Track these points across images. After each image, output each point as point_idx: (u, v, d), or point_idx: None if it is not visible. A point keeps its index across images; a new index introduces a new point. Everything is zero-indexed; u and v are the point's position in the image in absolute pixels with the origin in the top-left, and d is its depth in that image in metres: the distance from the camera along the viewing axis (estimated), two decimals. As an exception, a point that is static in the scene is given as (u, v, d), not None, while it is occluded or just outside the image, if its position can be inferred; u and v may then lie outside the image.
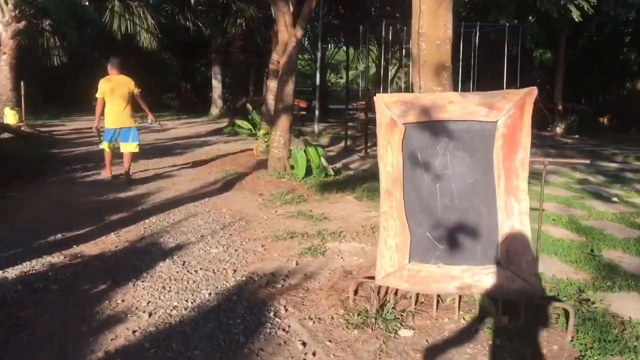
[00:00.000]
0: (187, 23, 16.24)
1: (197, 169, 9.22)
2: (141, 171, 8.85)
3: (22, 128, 13.76)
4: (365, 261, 4.46)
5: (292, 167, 8.11)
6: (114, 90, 7.55)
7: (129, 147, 7.88)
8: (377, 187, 7.76)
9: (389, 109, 3.42)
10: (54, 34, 16.96)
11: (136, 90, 7.80)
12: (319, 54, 13.79)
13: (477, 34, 11.01)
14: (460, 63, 12.35)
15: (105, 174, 8.04)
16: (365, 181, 7.84)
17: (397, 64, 32.45)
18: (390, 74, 31.68)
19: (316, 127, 14.38)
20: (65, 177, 8.34)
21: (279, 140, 7.91)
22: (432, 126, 3.36)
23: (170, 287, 3.83)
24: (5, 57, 14.43)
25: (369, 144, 11.46)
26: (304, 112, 18.42)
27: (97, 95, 7.60)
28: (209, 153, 11.37)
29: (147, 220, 5.71)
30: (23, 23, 14.47)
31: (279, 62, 9.60)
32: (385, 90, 27.10)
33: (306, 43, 30.28)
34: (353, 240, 5.05)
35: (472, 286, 3.14)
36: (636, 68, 20.74)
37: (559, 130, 16.20)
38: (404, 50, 16.12)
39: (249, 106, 10.86)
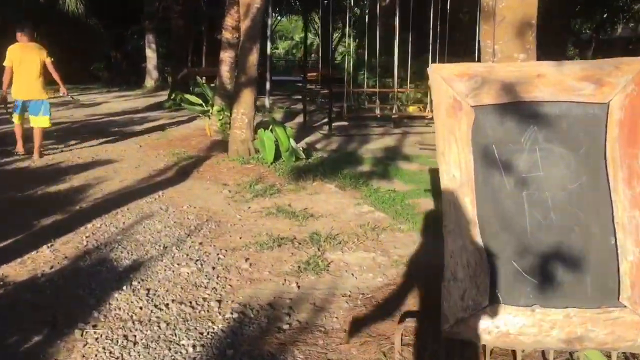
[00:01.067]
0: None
1: (142, 152, 7.94)
2: (77, 157, 7.47)
3: None
4: (384, 280, 3.51)
5: (257, 151, 7.01)
6: (24, 59, 7.05)
7: (39, 122, 7.31)
8: (358, 172, 6.93)
9: (451, 86, 2.44)
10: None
11: (48, 60, 7.28)
12: (269, 21, 12.53)
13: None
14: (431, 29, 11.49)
15: (18, 148, 7.45)
16: (342, 165, 6.86)
17: (340, 33, 31.44)
18: (333, 43, 30.61)
19: (267, 101, 13.18)
20: (-22, 166, 6.88)
21: (241, 120, 6.76)
22: (515, 109, 2.41)
23: (135, 337, 2.73)
24: None
25: (330, 119, 10.43)
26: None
27: (5, 63, 7.09)
28: (153, 133, 10.03)
29: (89, 226, 4.50)
30: None
31: (233, 29, 8.41)
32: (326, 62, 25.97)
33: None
34: (357, 248, 4.07)
35: (583, 338, 2.24)
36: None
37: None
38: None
39: (199, 79, 9.56)
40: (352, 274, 3.59)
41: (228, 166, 6.67)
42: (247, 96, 6.71)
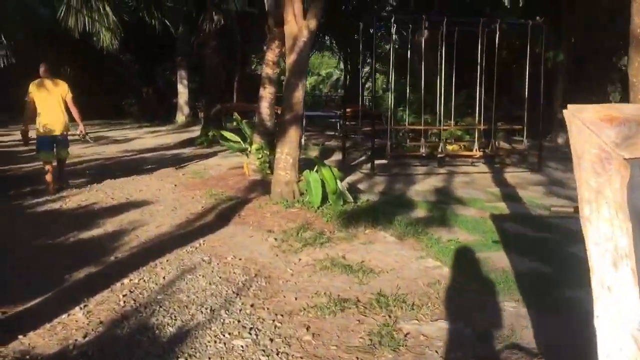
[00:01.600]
0: (153, 21, 14.39)
1: (178, 193, 7.52)
2: (110, 197, 7.09)
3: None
4: (476, 360, 2.93)
5: (302, 193, 6.53)
6: (47, 95, 7.14)
7: (62, 154, 7.56)
8: (413, 218, 6.18)
9: (597, 133, 1.91)
10: (-1, 30, 14.83)
11: (69, 96, 7.35)
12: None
13: (497, 32, 9.64)
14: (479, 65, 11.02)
15: (50, 189, 7.27)
16: (394, 210, 6.32)
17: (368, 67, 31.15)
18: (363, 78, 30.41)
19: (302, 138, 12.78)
20: (8, 207, 6.51)
21: (286, 160, 6.30)
22: (687, 166, 1.87)
23: None
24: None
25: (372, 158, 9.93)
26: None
27: (26, 98, 7.16)
28: (187, 170, 9.66)
29: (125, 281, 4.03)
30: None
31: (274, 64, 8.06)
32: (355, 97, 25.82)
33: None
34: (434, 315, 3.50)
35: None
36: None
37: (560, 140, 15.10)
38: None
39: (236, 115, 9.19)
40: (436, 352, 3.02)
41: (271, 210, 6.18)
42: (292, 135, 6.26)
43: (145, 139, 15.68)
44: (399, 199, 6.99)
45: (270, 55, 8.00)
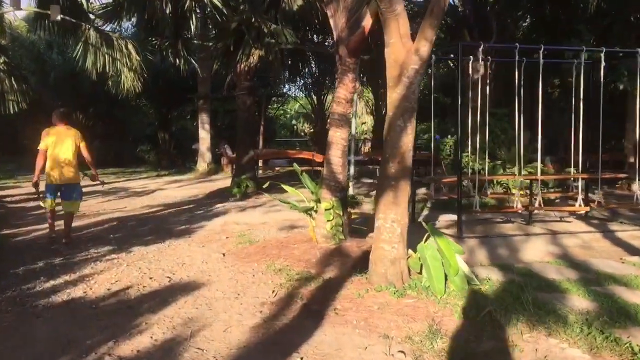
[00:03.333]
0: (177, 61, 13.03)
1: (231, 267, 5.87)
2: (148, 277, 5.42)
3: (-39, 195, 10.18)
4: None
5: (409, 270, 4.85)
6: (58, 143, 7.00)
7: (71, 206, 7.24)
8: (579, 312, 4.01)
9: None
10: (9, 75, 13.48)
11: (82, 144, 7.25)
12: (355, 96, 10.70)
13: (603, 62, 8.06)
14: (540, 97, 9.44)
15: (50, 233, 7.24)
16: (542, 298, 4.60)
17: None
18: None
19: (351, 189, 11.19)
20: (17, 295, 4.86)
21: (392, 229, 4.64)
22: None
23: None
24: (-59, 101, 10.92)
25: (460, 218, 8.26)
26: (320, 168, 15.23)
27: (39, 147, 6.98)
28: (230, 232, 8.03)
29: None
30: (-32, 59, 11.06)
31: (347, 101, 6.51)
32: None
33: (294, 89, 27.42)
34: None
35: None
36: None
37: (635, 187, 13.39)
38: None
39: (296, 166, 7.62)
40: None
41: (377, 300, 4.47)
42: (399, 194, 4.62)
43: (168, 190, 14.11)
44: (529, 277, 5.27)
45: (343, 92, 6.45)
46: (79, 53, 12.32)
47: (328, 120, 6.09)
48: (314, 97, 23.93)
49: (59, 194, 7.12)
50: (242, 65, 11.65)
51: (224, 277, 5.45)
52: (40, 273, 5.59)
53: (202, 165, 19.39)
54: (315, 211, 6.63)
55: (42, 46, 26.07)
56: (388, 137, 4.72)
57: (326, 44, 18.61)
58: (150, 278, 5.40)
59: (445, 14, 13.76)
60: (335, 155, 6.47)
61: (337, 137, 6.48)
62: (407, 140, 4.65)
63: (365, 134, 53.25)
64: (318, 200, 6.58)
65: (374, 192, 12.50)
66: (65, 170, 7.00)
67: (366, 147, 43.49)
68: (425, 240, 4.83)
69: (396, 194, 4.63)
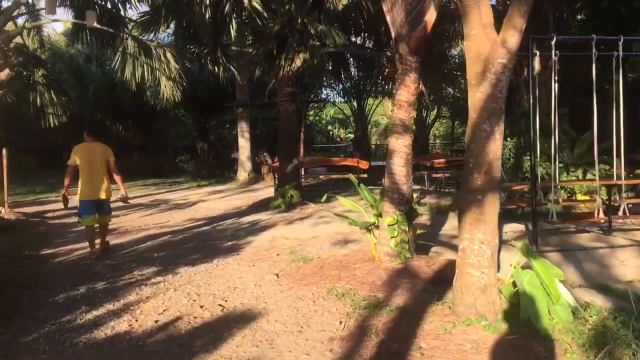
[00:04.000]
0: (216, 69, 12.59)
1: (288, 290, 5.28)
2: (198, 305, 4.87)
3: (2, 212, 9.89)
4: None
5: (500, 298, 4.15)
6: (88, 158, 7.05)
7: (104, 219, 7.41)
8: None
9: None
10: (48, 88, 13.29)
11: (112, 160, 7.27)
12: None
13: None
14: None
15: (92, 251, 7.26)
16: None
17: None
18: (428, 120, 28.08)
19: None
20: (56, 331, 4.37)
21: (480, 252, 3.96)
22: None
23: None
24: (-19, 116, 10.72)
25: (535, 229, 7.48)
26: (365, 175, 14.59)
27: (69, 162, 7.04)
28: (280, 248, 7.46)
29: None
30: (7, 72, 10.83)
31: (409, 105, 5.87)
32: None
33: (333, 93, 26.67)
34: None
35: None
36: None
37: None
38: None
39: (352, 177, 7.03)
40: None
41: (467, 336, 3.80)
42: (487, 210, 3.94)
43: (209, 201, 13.68)
44: (638, 302, 4.51)
45: (404, 94, 5.80)
46: (117, 64, 12.01)
47: (389, 128, 5.47)
48: (354, 102, 23.25)
49: (96, 209, 7.17)
50: (284, 71, 11.12)
51: (282, 305, 4.86)
52: (82, 301, 5.11)
53: (243, 174, 19.00)
54: (377, 226, 5.99)
55: (81, 60, 26.25)
56: (472, 145, 4.05)
57: (367, 46, 18.02)
58: (201, 307, 4.85)
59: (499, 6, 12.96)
60: (398, 164, 5.82)
61: (400, 144, 5.83)
62: (495, 147, 3.97)
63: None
64: (379, 215, 5.94)
65: (426, 200, 11.79)
66: (97, 185, 7.08)
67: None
68: (519, 263, 4.14)
69: (483, 210, 3.96)
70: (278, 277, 5.87)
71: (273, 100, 20.37)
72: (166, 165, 25.92)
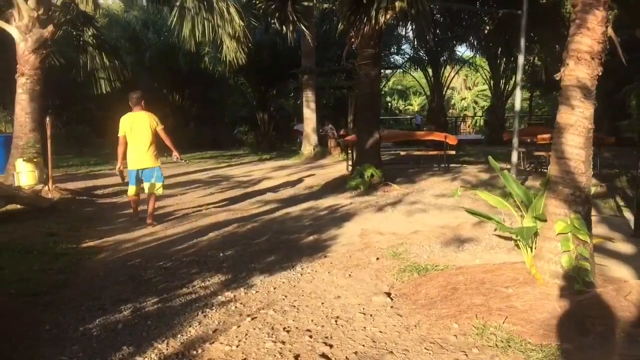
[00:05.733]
0: (284, 28, 10.87)
1: (418, 328, 3.60)
2: (295, 356, 3.27)
3: (45, 190, 8.60)
4: None
5: None
6: (135, 128, 6.93)
7: (152, 188, 7.12)
8: None
9: None
10: (99, 49, 11.94)
11: (159, 127, 7.09)
12: (520, 58, 8.03)
13: None
14: None
15: (133, 215, 7.43)
16: None
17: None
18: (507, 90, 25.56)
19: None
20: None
21: None
22: None
23: None
24: (24, 80, 9.39)
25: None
26: (453, 152, 12.68)
27: (119, 134, 6.99)
28: (379, 249, 5.79)
29: None
30: (50, 29, 9.45)
31: (593, 57, 3.97)
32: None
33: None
34: None
35: None
36: None
37: None
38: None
39: (492, 161, 5.21)
40: None
41: None
42: None
43: (275, 179, 12.12)
44: None
45: (586, 41, 3.92)
46: (175, 20, 10.45)
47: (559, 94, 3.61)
48: (429, 70, 21.11)
49: (141, 178, 7.11)
50: (367, 28, 9.28)
51: (411, 354, 3.18)
52: (123, 334, 3.57)
53: (308, 148, 17.38)
54: (536, 234, 4.18)
55: (138, 26, 25.01)
56: None
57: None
58: (296, 357, 3.22)
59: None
60: (574, 144, 3.97)
61: (577, 116, 3.96)
62: None
63: (466, 110, 49.49)
64: (539, 218, 4.11)
65: (530, 184, 9.82)
66: (143, 155, 6.97)
67: (467, 126, 39.86)
68: None
69: None
70: (391, 298, 4.20)
71: (344, 66, 18.67)
72: (224, 137, 24.64)
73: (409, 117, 38.04)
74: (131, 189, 7.14)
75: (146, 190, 7.15)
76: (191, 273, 4.96)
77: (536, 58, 27.23)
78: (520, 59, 8.06)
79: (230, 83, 23.21)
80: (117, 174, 7.55)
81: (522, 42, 8.02)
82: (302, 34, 15.03)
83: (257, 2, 11.04)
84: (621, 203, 8.14)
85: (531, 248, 4.20)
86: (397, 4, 7.65)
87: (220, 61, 18.96)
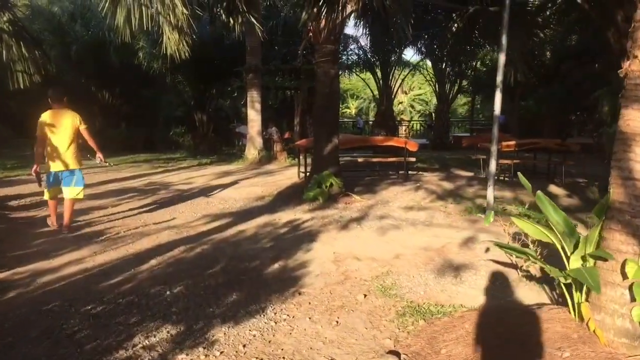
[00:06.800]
0: (232, 19, 9.72)
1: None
2: None
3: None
4: None
5: None
6: (56, 127, 6.45)
7: (71, 193, 6.67)
8: None
9: None
10: (17, 38, 10.35)
11: (82, 127, 6.64)
12: (501, 57, 7.27)
13: None
14: None
15: (50, 222, 6.86)
16: None
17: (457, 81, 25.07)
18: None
19: (490, 194, 7.78)
20: None
21: None
22: None
23: None
24: None
25: None
26: (414, 159, 11.83)
27: (37, 133, 6.45)
28: (362, 282, 4.78)
29: None
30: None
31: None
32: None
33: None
34: None
35: None
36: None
37: None
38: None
39: (523, 179, 4.24)
40: None
41: None
42: None
43: (219, 187, 10.88)
44: None
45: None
46: (107, 5, 9.05)
47: (622, 94, 2.70)
48: (378, 71, 20.35)
49: (60, 181, 6.63)
50: (342, 16, 8.26)
51: None
52: None
53: (252, 152, 16.19)
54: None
55: (64, 18, 22.86)
56: None
57: None
58: None
59: None
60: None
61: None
62: None
63: (402, 114, 49.43)
64: (598, 256, 3.22)
65: (500, 195, 9.15)
66: (63, 156, 6.50)
67: (403, 131, 39.59)
68: None
69: None
70: (402, 361, 3.19)
71: (293, 65, 17.59)
72: (159, 139, 22.97)
73: (351, 120, 37.42)
74: (49, 192, 6.66)
75: (65, 195, 6.64)
76: (130, 323, 3.78)
77: (479, 63, 27.25)
78: (502, 58, 7.27)
79: (167, 81, 21.58)
80: (34, 178, 6.80)
81: (504, 39, 7.26)
82: (248, 30, 13.92)
83: (202, -11, 9.82)
84: None
85: (579, 293, 3.30)
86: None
87: (156, 57, 17.52)
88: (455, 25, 9.31)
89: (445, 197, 9.32)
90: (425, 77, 26.37)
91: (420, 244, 6.18)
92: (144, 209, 8.44)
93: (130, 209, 8.33)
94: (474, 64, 25.43)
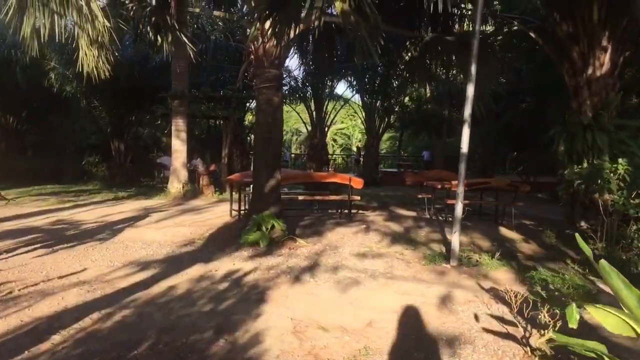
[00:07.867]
0: (161, 38, 8.57)
1: None
2: None
3: None
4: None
5: None
6: None
7: None
8: None
9: None
10: None
11: None
12: (470, 88, 6.55)
13: None
14: None
15: None
16: None
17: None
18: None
19: (455, 241, 6.97)
20: None
21: None
22: None
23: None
24: None
25: None
26: (358, 197, 10.92)
27: None
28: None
29: None
30: None
31: None
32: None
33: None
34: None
35: None
36: None
37: None
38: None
39: (579, 239, 3.28)
40: None
41: None
42: None
43: (142, 227, 9.45)
44: None
45: None
46: (11, 13, 7.62)
47: None
48: (311, 102, 19.58)
49: None
50: (270, 43, 7.35)
51: None
52: None
53: (176, 186, 14.77)
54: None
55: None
56: None
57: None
58: None
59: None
60: None
61: None
62: None
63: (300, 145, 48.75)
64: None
65: (465, 240, 8.43)
66: None
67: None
68: None
69: None
70: None
71: (223, 94, 16.44)
72: (69, 168, 20.90)
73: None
74: None
75: None
76: None
77: (407, 98, 27.18)
78: (470, 89, 6.56)
79: (81, 105, 19.72)
80: None
81: (473, 68, 6.57)
82: (176, 52, 12.73)
83: (126, 1, 8.59)
84: None
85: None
86: (337, 3, 5.72)
87: (70, 79, 15.86)
88: (410, 53, 8.61)
89: (398, 241, 8.46)
90: (347, 112, 25.87)
91: (390, 304, 5.20)
92: (48, 255, 6.96)
93: (31, 258, 6.82)
94: (401, 99, 25.33)
